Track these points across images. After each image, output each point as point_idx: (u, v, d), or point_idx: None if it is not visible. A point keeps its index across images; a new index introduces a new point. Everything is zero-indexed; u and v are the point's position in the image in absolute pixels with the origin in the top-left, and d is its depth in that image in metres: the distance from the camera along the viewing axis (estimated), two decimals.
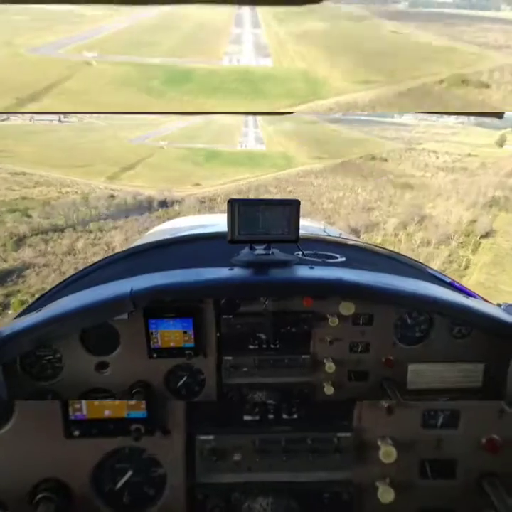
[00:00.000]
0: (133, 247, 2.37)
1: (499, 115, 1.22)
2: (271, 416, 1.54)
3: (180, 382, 1.80)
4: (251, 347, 1.83)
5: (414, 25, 51.93)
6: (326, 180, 49.48)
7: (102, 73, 31.85)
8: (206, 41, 40.86)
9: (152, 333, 1.72)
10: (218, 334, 1.79)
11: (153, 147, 56.65)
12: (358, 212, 40.27)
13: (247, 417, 1.54)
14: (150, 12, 48.57)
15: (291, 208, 1.69)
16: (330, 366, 1.78)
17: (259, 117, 70.24)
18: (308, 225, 2.98)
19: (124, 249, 2.40)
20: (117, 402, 1.46)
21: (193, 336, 1.75)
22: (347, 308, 1.76)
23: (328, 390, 1.79)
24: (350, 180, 48.69)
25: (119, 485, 1.48)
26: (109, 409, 1.44)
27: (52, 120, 60.72)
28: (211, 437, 1.51)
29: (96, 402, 1.44)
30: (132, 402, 1.45)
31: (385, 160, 59.55)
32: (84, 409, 1.43)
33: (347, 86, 31.91)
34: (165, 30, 43.47)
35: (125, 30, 43.20)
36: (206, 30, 43.59)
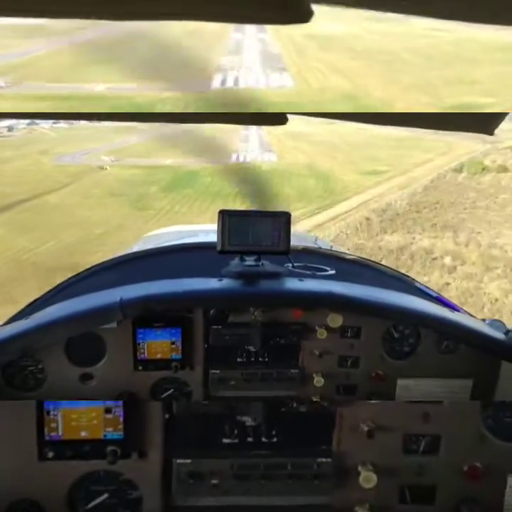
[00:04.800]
0: (122, 256, 2.31)
1: (489, 131, 0.98)
2: (250, 439, 1.48)
3: (166, 395, 1.72)
4: (239, 360, 1.78)
5: (455, 22, 37.29)
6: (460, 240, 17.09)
7: None
8: (191, 53, 27.27)
9: (139, 343, 1.66)
10: (206, 345, 1.74)
11: (85, 169, 31.48)
12: None
13: (226, 440, 1.48)
14: (128, 23, 32.28)
15: (281, 220, 1.64)
16: (319, 380, 1.74)
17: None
18: (299, 237, 2.89)
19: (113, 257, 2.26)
20: (95, 412, 1.38)
21: (180, 347, 1.69)
22: (335, 321, 1.71)
23: (316, 398, 1.74)
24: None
25: (95, 506, 1.43)
26: (85, 430, 1.39)
27: None
28: (188, 461, 1.45)
29: (73, 414, 1.38)
30: (110, 417, 1.39)
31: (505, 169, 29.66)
32: (60, 429, 1.37)
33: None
34: (134, 41, 29.49)
35: (78, 45, 29.09)
36: (194, 39, 29.29)
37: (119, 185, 27.03)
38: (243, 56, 27.62)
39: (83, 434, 1.38)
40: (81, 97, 19.88)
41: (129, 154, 36.37)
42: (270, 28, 35.40)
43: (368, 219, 20.55)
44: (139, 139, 41.58)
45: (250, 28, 35.60)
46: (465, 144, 39.65)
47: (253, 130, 48.71)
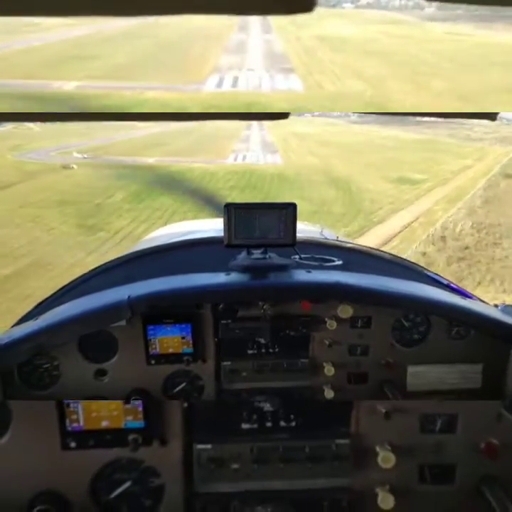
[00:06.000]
0: (129, 254, 2.27)
1: (492, 116, 1.08)
2: (269, 424, 1.51)
3: (179, 388, 1.71)
4: (250, 352, 1.77)
5: (473, 26, 36.89)
6: None
7: None
8: (184, 52, 23.35)
9: (150, 339, 1.66)
10: (216, 339, 1.73)
11: (47, 167, 25.20)
12: None
13: (245, 426, 1.51)
14: (124, 20, 30.31)
15: (287, 212, 1.60)
16: (329, 369, 1.71)
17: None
18: (305, 229, 2.82)
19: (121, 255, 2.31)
20: (114, 404, 1.42)
21: (191, 342, 1.68)
22: (345, 312, 1.68)
23: (328, 393, 1.70)
24: None
25: (118, 495, 1.45)
26: (106, 419, 1.42)
27: None
28: (209, 446, 1.49)
29: (93, 406, 1.42)
30: (129, 407, 1.43)
31: None
32: (81, 420, 1.41)
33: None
34: (128, 39, 26.29)
35: (62, 42, 25.92)
36: (189, 39, 26.40)
37: (76, 189, 20.86)
38: (245, 55, 24.02)
39: (104, 424, 1.40)
40: (40, 96, 16.19)
41: (110, 151, 31.36)
42: (276, 28, 32.15)
43: (425, 255, 12.89)
44: (130, 135, 37.39)
45: (254, 27, 32.32)
46: (495, 148, 35.25)
47: (255, 130, 43.97)
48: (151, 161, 28.09)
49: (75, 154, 29.52)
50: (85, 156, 29.29)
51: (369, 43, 27.12)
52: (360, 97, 16.72)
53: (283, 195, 21.02)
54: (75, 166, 26.06)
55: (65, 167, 25.82)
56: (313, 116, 56.57)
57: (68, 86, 17.45)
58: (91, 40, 26.40)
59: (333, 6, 51.83)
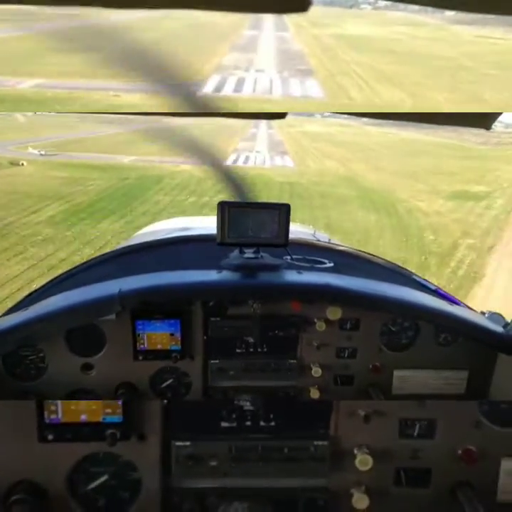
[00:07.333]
0: (122, 248, 2.33)
1: (487, 126, 1.08)
2: (248, 423, 1.51)
3: (166, 385, 1.76)
4: (238, 351, 1.81)
5: (503, 30, 32.57)
6: None
7: None
8: (185, 47, 19.28)
9: (139, 334, 1.69)
10: (205, 337, 1.77)
11: None
12: None
13: (224, 424, 1.51)
14: (126, 14, 26.19)
15: (281, 212, 1.63)
16: (316, 371, 1.77)
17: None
18: (298, 230, 2.85)
19: (114, 249, 2.35)
20: (92, 402, 1.42)
21: (180, 339, 1.72)
22: (334, 313, 1.73)
23: (314, 393, 1.78)
24: None
25: (95, 488, 1.46)
26: (84, 413, 1.42)
27: None
28: (187, 443, 1.49)
29: (72, 404, 1.41)
30: (108, 402, 1.42)
31: None
32: (59, 412, 1.42)
33: None
34: (126, 33, 19.69)
35: (45, 34, 21.16)
36: (199, 33, 22.79)
37: (3, 196, 15.25)
38: (254, 54, 20.20)
39: (82, 417, 1.42)
40: None
41: (82, 147, 26.93)
42: (292, 26, 28.58)
43: None
44: (124, 128, 33.26)
45: (267, 25, 28.65)
46: None
47: (262, 128, 38.21)
48: (126, 160, 23.63)
49: (30, 150, 25.53)
50: (43, 152, 25.32)
51: (390, 44, 23.65)
52: (399, 108, 12.78)
53: (299, 217, 12.61)
54: (24, 163, 22.23)
55: (13, 163, 21.99)
56: (323, 116, 54.21)
57: (24, 84, 13.73)
58: (82, 33, 22.71)
59: (351, 6, 49.31)
